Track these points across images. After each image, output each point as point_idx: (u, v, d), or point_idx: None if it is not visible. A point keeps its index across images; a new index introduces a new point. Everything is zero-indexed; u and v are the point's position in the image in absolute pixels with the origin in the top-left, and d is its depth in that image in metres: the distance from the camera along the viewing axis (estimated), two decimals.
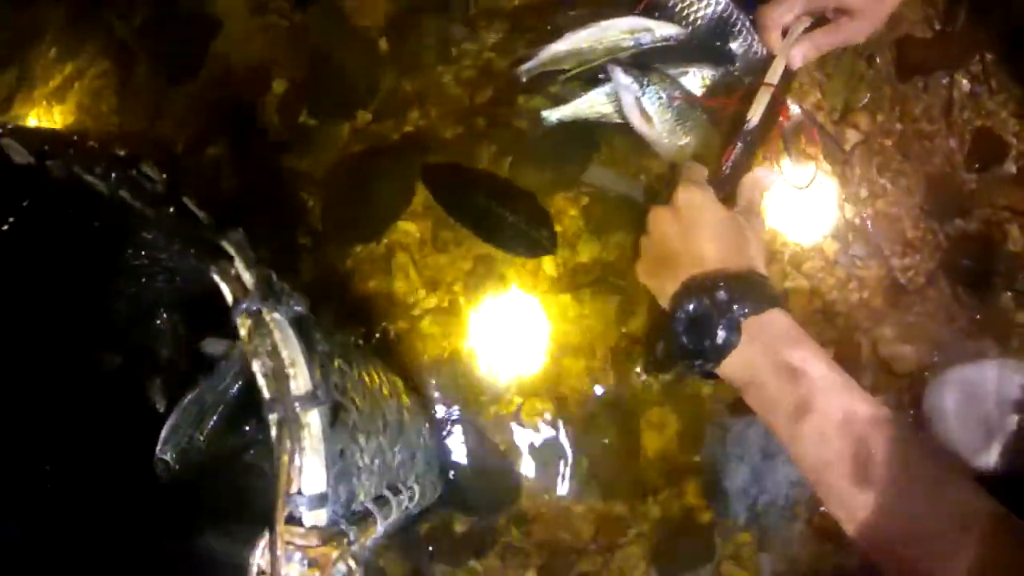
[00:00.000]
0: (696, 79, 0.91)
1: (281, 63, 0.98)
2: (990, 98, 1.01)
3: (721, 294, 0.59)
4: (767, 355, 0.59)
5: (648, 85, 0.85)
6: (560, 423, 0.86)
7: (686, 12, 0.93)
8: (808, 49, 0.80)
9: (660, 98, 0.86)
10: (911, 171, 0.96)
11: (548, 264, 0.87)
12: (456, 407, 0.86)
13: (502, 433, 0.86)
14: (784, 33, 0.83)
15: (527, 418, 0.86)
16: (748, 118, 0.80)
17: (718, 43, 0.91)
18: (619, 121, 0.87)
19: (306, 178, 0.94)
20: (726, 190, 0.77)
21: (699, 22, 0.92)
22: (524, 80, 0.91)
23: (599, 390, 0.86)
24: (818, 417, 0.57)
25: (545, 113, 0.88)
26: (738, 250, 0.64)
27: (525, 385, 0.86)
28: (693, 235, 0.66)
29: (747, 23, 0.90)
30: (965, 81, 1.01)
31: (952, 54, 1.01)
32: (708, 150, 0.88)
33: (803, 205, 0.91)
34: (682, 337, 0.61)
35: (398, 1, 0.97)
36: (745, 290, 0.60)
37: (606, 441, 0.85)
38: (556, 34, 0.89)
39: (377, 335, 0.88)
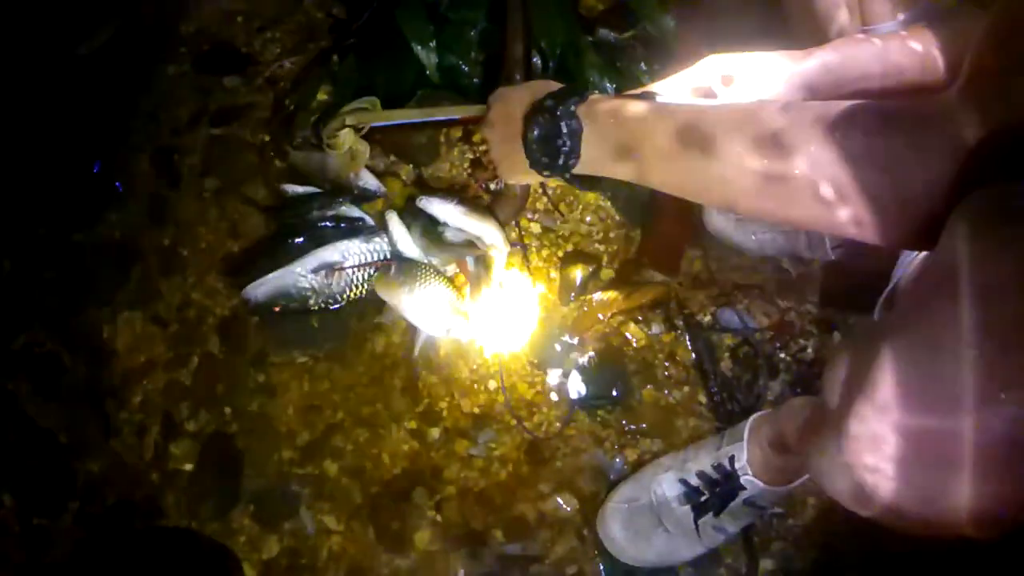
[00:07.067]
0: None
1: None
2: None
3: (549, 102, 0.72)
4: (613, 123, 0.69)
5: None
6: None
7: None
8: None
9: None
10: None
11: None
12: None
13: None
14: None
15: None
16: None
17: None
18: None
19: None
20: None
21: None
22: None
23: None
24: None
25: None
26: (531, 92, 0.77)
27: None
28: (507, 119, 0.79)
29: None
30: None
31: None
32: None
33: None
34: (537, 151, 0.74)
35: None
36: (560, 95, 0.73)
37: None
38: None
39: None
